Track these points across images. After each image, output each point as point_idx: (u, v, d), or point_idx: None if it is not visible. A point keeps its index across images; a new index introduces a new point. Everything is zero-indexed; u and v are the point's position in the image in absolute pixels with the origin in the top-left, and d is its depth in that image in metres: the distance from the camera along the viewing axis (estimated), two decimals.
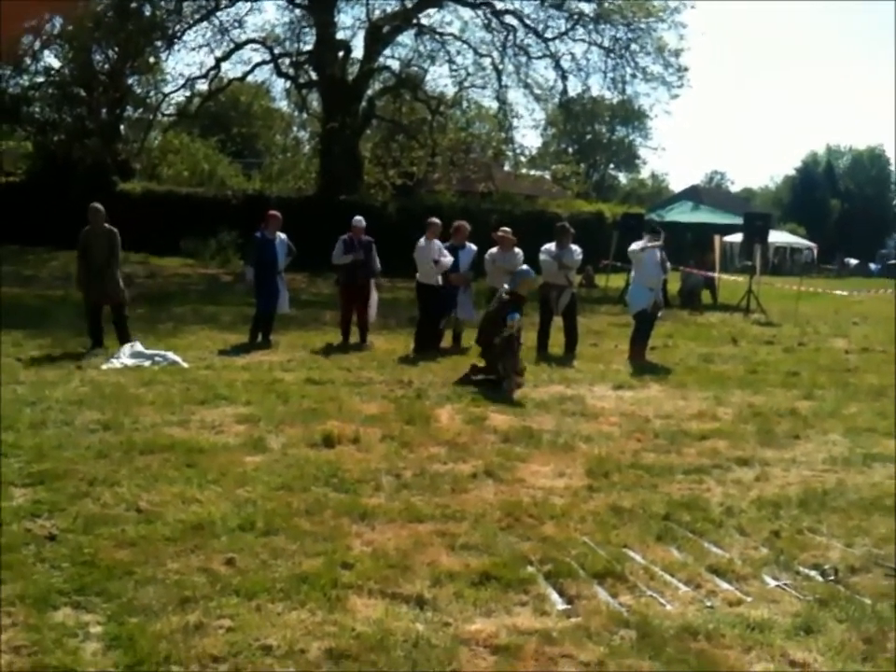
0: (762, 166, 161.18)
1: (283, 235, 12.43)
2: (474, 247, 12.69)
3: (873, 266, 54.43)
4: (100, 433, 7.04)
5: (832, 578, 4.64)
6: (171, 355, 10.58)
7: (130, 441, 6.76)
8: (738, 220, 24.84)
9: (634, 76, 28.51)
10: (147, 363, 10.24)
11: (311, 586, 4.28)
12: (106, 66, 28.63)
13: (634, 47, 27.88)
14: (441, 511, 5.45)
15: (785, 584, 4.57)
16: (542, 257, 12.48)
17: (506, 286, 10.14)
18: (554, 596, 4.34)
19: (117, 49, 27.46)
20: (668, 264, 12.75)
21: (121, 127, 31.08)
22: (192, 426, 7.46)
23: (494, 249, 12.44)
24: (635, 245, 12.36)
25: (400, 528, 5.16)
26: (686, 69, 28.90)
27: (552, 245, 12.48)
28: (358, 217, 12.60)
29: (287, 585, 4.28)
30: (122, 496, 5.51)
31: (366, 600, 4.20)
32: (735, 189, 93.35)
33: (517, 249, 12.25)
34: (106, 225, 11.34)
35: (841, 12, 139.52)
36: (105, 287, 11.17)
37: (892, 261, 57.92)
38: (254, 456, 6.54)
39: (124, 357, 10.40)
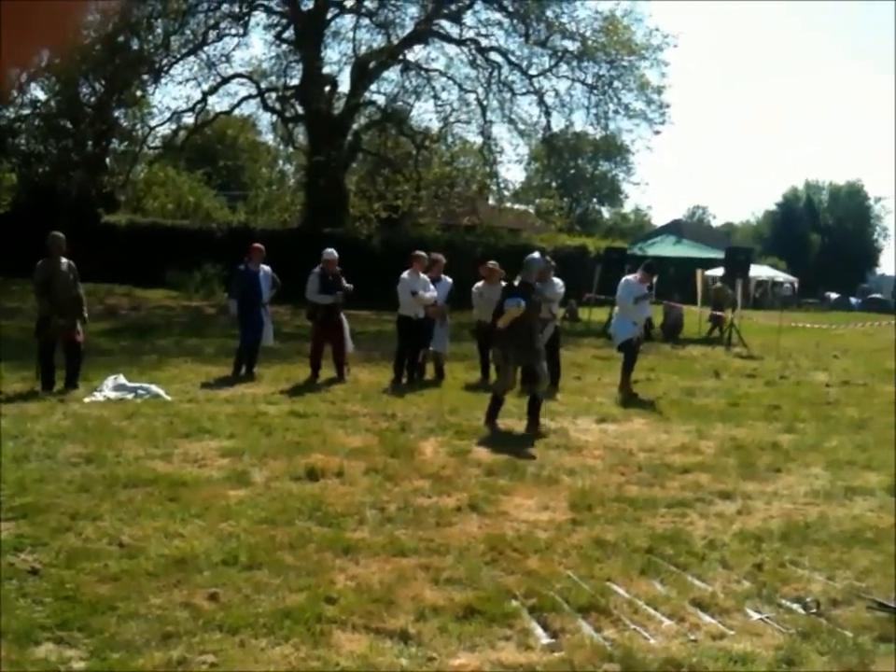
0: (743, 201, 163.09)
1: (267, 268, 12.46)
2: (450, 280, 12.81)
3: (853, 300, 54.93)
4: (82, 467, 7.00)
5: (814, 611, 4.66)
6: (154, 387, 10.55)
7: (112, 475, 6.73)
8: (720, 255, 25.05)
9: (616, 112, 28.87)
10: (129, 396, 10.21)
11: (294, 621, 4.26)
12: (93, 99, 28.76)
13: (616, 84, 28.26)
14: (426, 545, 5.45)
15: (767, 617, 4.59)
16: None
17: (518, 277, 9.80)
18: (539, 631, 4.34)
19: (103, 81, 27.62)
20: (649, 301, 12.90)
21: (107, 159, 31.14)
22: (175, 459, 7.43)
23: (480, 283, 12.51)
24: (632, 286, 12.19)
25: (384, 562, 5.15)
26: (668, 106, 29.27)
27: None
28: (330, 250, 12.53)
29: (271, 620, 4.26)
30: (105, 530, 5.48)
31: (350, 635, 4.19)
32: (716, 223, 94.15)
33: (504, 283, 12.34)
34: (63, 259, 10.47)
35: (818, 50, 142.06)
36: (69, 323, 10.40)
37: (873, 295, 58.54)
38: (237, 490, 6.52)
39: (107, 389, 10.36)
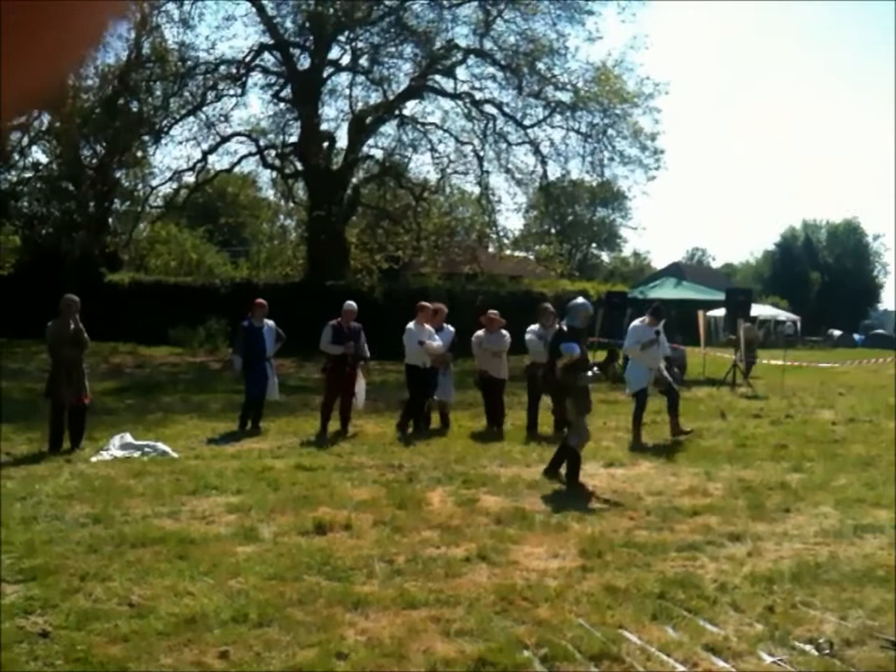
0: (741, 242, 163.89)
1: (271, 322, 12.53)
2: (452, 329, 12.87)
3: (857, 337, 54.93)
4: (90, 527, 6.99)
5: (827, 652, 4.64)
6: (160, 445, 10.57)
7: (120, 534, 6.72)
8: (721, 296, 25.15)
9: (612, 159, 29.23)
10: (136, 454, 10.22)
11: None
12: (94, 161, 29.16)
13: (610, 132, 28.66)
14: (435, 597, 5.43)
15: (781, 660, 4.56)
16: (528, 337, 12.66)
17: (564, 322, 9.56)
18: None
19: (104, 143, 28.01)
20: (667, 345, 12.77)
21: (109, 219, 31.48)
22: (183, 516, 7.43)
23: (480, 332, 12.59)
24: (639, 332, 12.09)
25: (394, 615, 5.13)
26: (662, 151, 29.66)
27: (536, 326, 12.66)
28: (350, 303, 12.52)
29: None
30: (114, 590, 5.47)
31: None
32: (716, 264, 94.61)
33: (504, 331, 12.44)
34: (72, 321, 10.44)
35: (810, 90, 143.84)
36: (75, 386, 10.44)
37: (876, 331, 58.55)
38: (245, 546, 6.51)
39: (114, 448, 10.37)
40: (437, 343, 12.31)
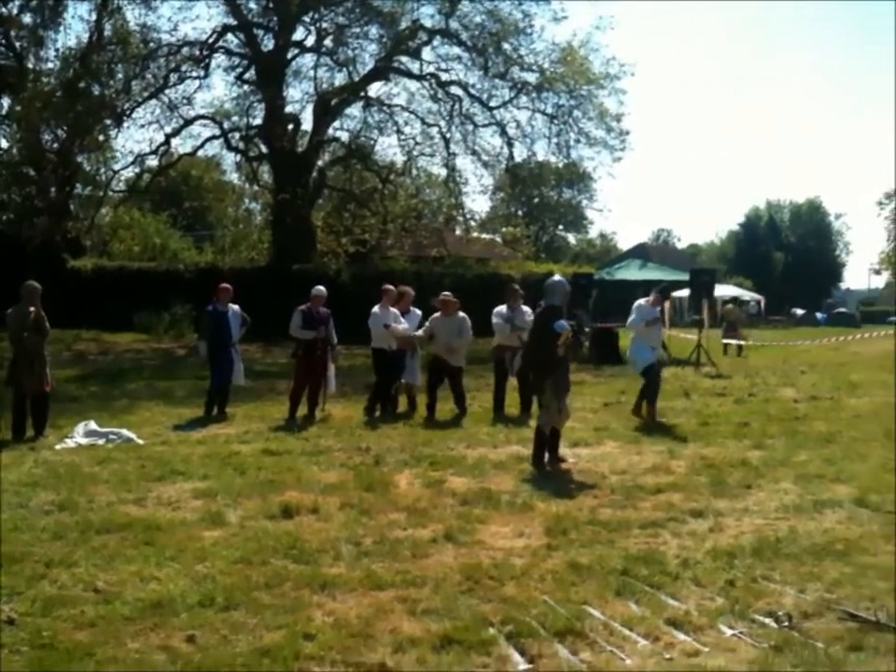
0: (706, 222, 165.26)
1: (235, 307, 12.46)
2: (419, 312, 12.88)
3: (819, 315, 55.64)
4: (55, 514, 6.96)
5: (786, 624, 4.73)
6: (125, 432, 10.51)
7: (86, 521, 6.70)
8: (685, 276, 25.40)
9: (577, 140, 29.35)
10: (101, 441, 10.16)
11: (272, 659, 4.27)
12: (55, 145, 28.70)
13: (576, 113, 28.75)
14: (402, 578, 5.47)
15: (741, 633, 4.66)
16: (495, 319, 12.66)
17: (543, 302, 9.44)
18: (516, 657, 4.38)
19: (66, 127, 27.58)
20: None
21: (71, 204, 31.02)
22: (149, 503, 7.41)
23: (437, 314, 12.50)
24: (643, 310, 12.19)
25: (361, 597, 5.17)
26: (627, 133, 29.81)
27: (503, 308, 12.66)
28: (320, 287, 12.48)
29: (249, 660, 4.27)
30: (80, 576, 5.46)
31: (328, 670, 4.21)
32: (681, 245, 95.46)
33: (461, 313, 12.41)
34: (32, 308, 10.38)
35: (774, 70, 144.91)
36: (37, 374, 10.39)
37: (839, 310, 59.36)
38: (212, 531, 6.52)
39: (78, 436, 10.30)
40: (402, 325, 12.32)
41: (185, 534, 6.42)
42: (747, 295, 41.31)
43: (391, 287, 12.96)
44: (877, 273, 67.85)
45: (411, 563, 5.80)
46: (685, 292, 25.69)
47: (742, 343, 24.64)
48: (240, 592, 5.18)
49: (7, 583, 5.31)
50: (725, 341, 24.83)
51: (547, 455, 9.00)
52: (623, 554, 5.95)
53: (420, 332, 12.36)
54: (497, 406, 12.59)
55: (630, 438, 10.60)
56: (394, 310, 12.48)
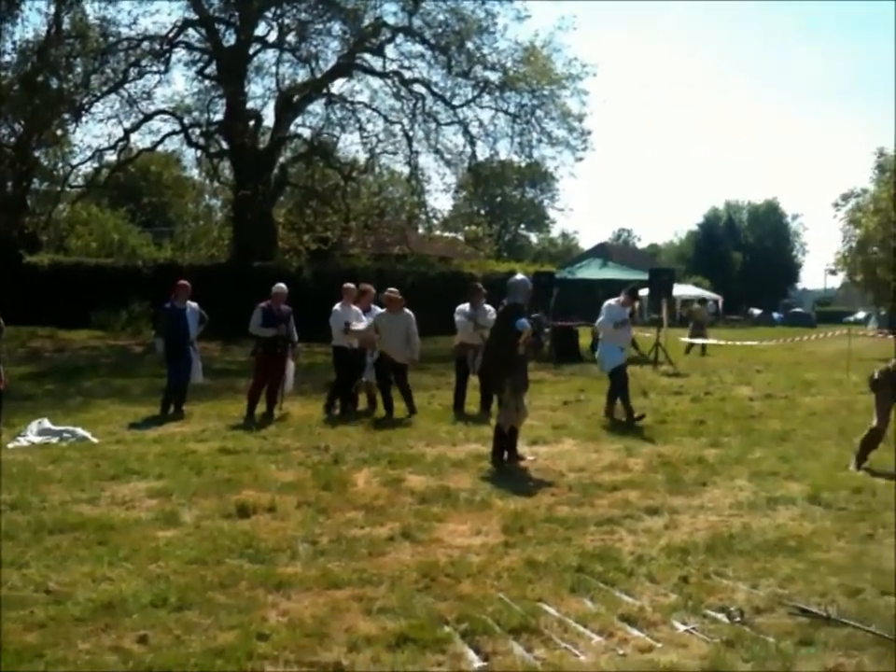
0: (666, 222, 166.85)
1: (194, 304, 12.34)
2: (380, 310, 12.82)
3: (776, 315, 56.46)
4: (7, 513, 6.84)
5: (738, 619, 4.78)
6: (80, 430, 10.36)
7: (38, 521, 6.59)
8: (645, 276, 25.62)
9: (540, 140, 29.44)
10: (54, 440, 10.01)
11: (226, 660, 4.23)
12: (12, 139, 28.19)
13: (539, 112, 28.82)
14: (359, 576, 5.45)
15: (693, 628, 4.70)
16: (457, 317, 12.67)
17: (505, 301, 9.43)
18: (471, 655, 4.38)
19: (23, 121, 27.11)
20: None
21: (28, 199, 30.49)
22: (102, 502, 7.31)
23: (383, 311, 12.31)
24: (613, 311, 12.06)
25: (317, 596, 5.14)
26: (589, 133, 29.94)
27: (466, 306, 12.67)
28: (280, 285, 12.39)
29: (202, 660, 4.23)
30: (31, 577, 5.37)
31: (282, 670, 4.18)
32: (641, 245, 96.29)
33: (407, 310, 12.25)
34: None
35: (733, 71, 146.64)
36: None
37: (795, 310, 60.26)
38: (166, 531, 6.45)
39: (31, 434, 10.15)
40: (363, 324, 12.26)
41: (139, 534, 6.35)
42: (705, 295, 41.75)
43: (351, 284, 12.91)
44: (833, 273, 68.66)
45: (367, 561, 5.79)
46: (644, 292, 25.86)
47: (706, 342, 25.02)
48: (194, 592, 5.12)
49: None
50: (691, 340, 25.17)
51: (506, 453, 9.02)
52: (579, 552, 5.98)
53: (361, 327, 12.22)
54: (458, 404, 12.60)
55: (588, 436, 10.67)
56: (356, 308, 12.44)
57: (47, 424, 10.47)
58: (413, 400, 12.36)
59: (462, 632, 4.62)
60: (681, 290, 29.55)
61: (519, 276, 10.03)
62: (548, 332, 9.53)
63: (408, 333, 12.12)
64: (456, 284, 29.55)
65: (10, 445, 9.73)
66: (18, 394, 13.09)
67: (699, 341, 25.01)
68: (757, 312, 57.12)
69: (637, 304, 12.49)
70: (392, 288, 12.66)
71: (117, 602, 4.94)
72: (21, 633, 4.55)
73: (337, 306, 12.48)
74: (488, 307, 12.49)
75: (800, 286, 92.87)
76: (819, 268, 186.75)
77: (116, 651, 4.33)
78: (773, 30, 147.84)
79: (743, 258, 78.01)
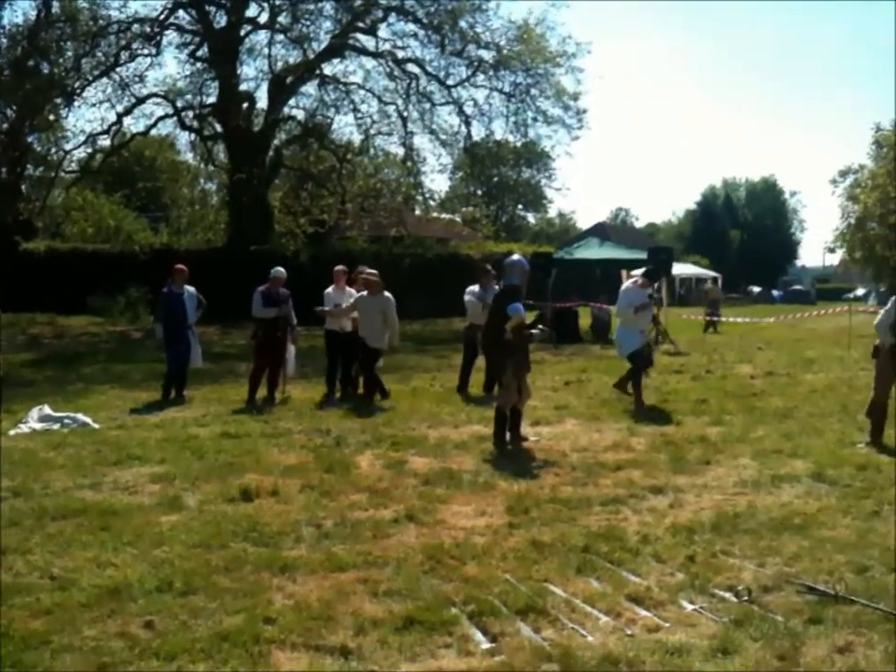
0: (664, 201, 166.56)
1: (191, 288, 12.28)
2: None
3: (775, 293, 56.44)
4: (10, 500, 6.81)
5: (745, 598, 4.77)
6: (81, 416, 10.33)
7: (41, 507, 6.57)
8: (644, 255, 25.56)
9: (535, 119, 29.40)
10: (56, 426, 9.98)
11: (232, 644, 4.21)
12: (5, 125, 28.04)
13: (533, 91, 28.76)
14: (363, 559, 5.43)
15: (701, 608, 4.69)
16: (467, 298, 12.60)
17: (502, 282, 9.38)
18: (478, 636, 4.37)
19: (14, 107, 26.95)
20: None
21: (22, 186, 30.37)
22: (105, 488, 7.28)
23: (363, 292, 11.91)
24: (631, 295, 11.64)
25: (322, 579, 5.12)
26: (585, 111, 29.89)
27: (475, 287, 12.60)
28: (279, 269, 12.32)
29: (208, 645, 4.21)
30: (35, 563, 5.35)
31: (289, 654, 4.16)
32: (639, 224, 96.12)
33: (387, 293, 11.81)
34: None
35: (731, 47, 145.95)
36: None
37: (794, 287, 60.24)
38: (170, 516, 6.42)
39: (32, 421, 10.11)
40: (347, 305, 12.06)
41: (142, 519, 6.32)
42: (704, 273, 41.69)
43: (342, 267, 12.82)
44: (832, 251, 68.69)
45: (372, 544, 5.77)
46: (641, 270, 25.87)
47: (720, 320, 25.12)
48: (199, 576, 5.10)
49: None
50: (711, 318, 25.25)
51: (509, 434, 8.99)
52: (584, 532, 5.96)
53: (344, 306, 12.07)
54: (462, 385, 12.54)
55: (590, 416, 10.65)
56: (350, 290, 12.31)
57: (48, 410, 10.43)
58: (375, 388, 11.88)
59: (469, 613, 4.60)
60: (680, 269, 29.50)
61: (515, 257, 9.89)
62: (547, 332, 9.27)
63: (385, 317, 11.66)
64: (454, 265, 29.55)
65: (12, 432, 9.70)
66: (18, 380, 13.08)
67: (721, 319, 25.19)
68: (756, 290, 57.09)
69: (656, 285, 12.03)
70: (370, 269, 12.26)
71: (122, 587, 4.91)
72: (27, 619, 4.53)
73: (329, 289, 12.43)
74: (497, 288, 12.37)
75: (799, 263, 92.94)
76: (817, 245, 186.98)
77: (122, 637, 4.31)
78: (770, 5, 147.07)
79: (741, 235, 77.92)
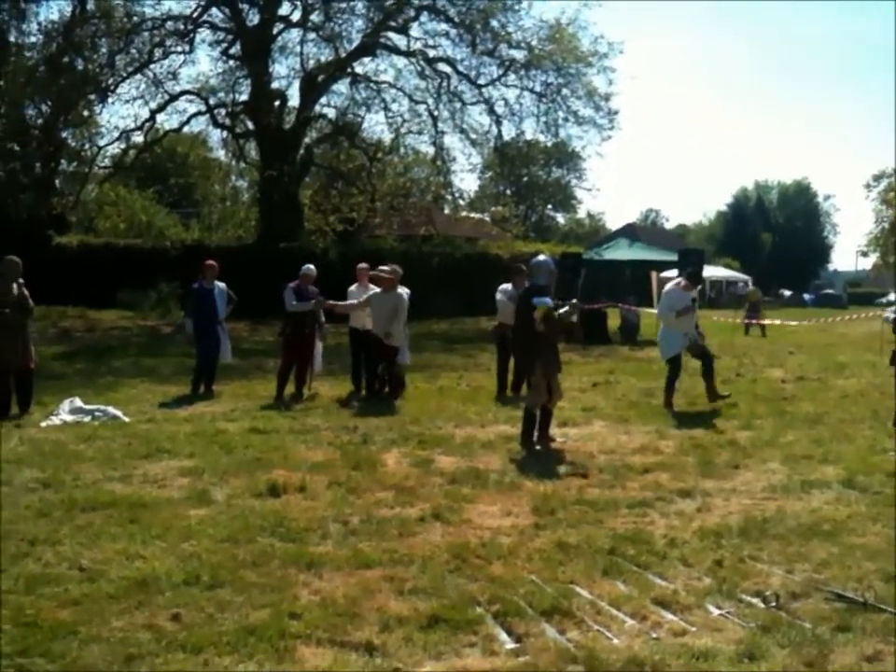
0: (695, 203, 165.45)
1: (221, 284, 12.37)
2: (407, 291, 12.69)
3: (807, 296, 55.84)
4: (40, 492, 6.90)
5: (773, 604, 4.73)
6: (111, 409, 10.44)
7: (71, 499, 6.64)
8: (674, 256, 25.40)
9: (566, 119, 29.25)
10: (87, 419, 10.08)
11: (258, 638, 4.24)
12: (39, 120, 28.35)
13: (565, 91, 28.60)
14: (389, 556, 5.44)
15: (728, 612, 4.65)
16: (499, 297, 12.52)
17: (528, 282, 9.39)
18: (503, 636, 4.36)
19: (49, 102, 27.26)
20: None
21: (56, 180, 30.69)
22: (135, 481, 7.36)
23: (377, 289, 11.91)
24: (673, 298, 11.54)
25: (348, 575, 5.14)
26: (616, 112, 29.71)
27: (508, 286, 12.54)
28: (310, 266, 12.38)
29: (234, 638, 4.23)
30: (64, 554, 5.41)
31: (314, 649, 4.18)
32: (669, 225, 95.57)
33: (401, 289, 11.79)
34: (14, 284, 10.30)
35: (765, 48, 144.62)
36: (20, 352, 10.33)
37: (826, 291, 59.58)
38: (198, 509, 6.47)
39: (63, 413, 10.23)
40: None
41: (170, 512, 6.37)
42: (734, 276, 41.35)
43: (365, 265, 12.86)
44: (865, 255, 68.04)
45: (398, 542, 5.78)
46: (674, 272, 25.67)
47: (765, 322, 24.80)
48: (226, 570, 5.14)
49: None
50: (756, 322, 25.00)
51: (536, 435, 8.97)
52: (611, 534, 5.94)
53: (353, 303, 12.09)
54: (501, 387, 12.41)
55: (618, 418, 10.60)
56: (374, 289, 12.22)
57: (78, 403, 10.55)
58: (398, 387, 11.87)
59: (494, 613, 4.60)
60: (711, 271, 29.26)
61: (541, 257, 9.86)
62: (576, 313, 9.17)
63: (395, 312, 11.53)
64: (483, 265, 29.52)
65: (43, 424, 9.81)
66: (49, 373, 13.22)
67: (755, 322, 24.82)
68: (787, 293, 56.51)
69: (699, 288, 11.85)
70: (384, 266, 12.29)
71: (150, 580, 4.96)
72: (55, 609, 4.58)
73: (353, 287, 12.49)
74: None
75: (831, 267, 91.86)
76: (850, 249, 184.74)
77: (149, 629, 4.35)
78: (806, 5, 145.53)
79: (773, 238, 77.22)
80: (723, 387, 13.29)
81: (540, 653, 4.14)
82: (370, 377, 12.36)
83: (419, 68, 29.06)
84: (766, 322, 24.83)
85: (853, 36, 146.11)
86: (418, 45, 28.90)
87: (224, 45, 29.04)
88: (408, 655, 4.12)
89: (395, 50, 29.25)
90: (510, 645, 4.26)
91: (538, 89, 28.63)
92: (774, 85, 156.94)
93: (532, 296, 8.92)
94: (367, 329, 12.13)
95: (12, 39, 27.55)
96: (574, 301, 9.62)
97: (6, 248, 12.07)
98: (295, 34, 29.61)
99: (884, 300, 53.24)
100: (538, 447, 8.83)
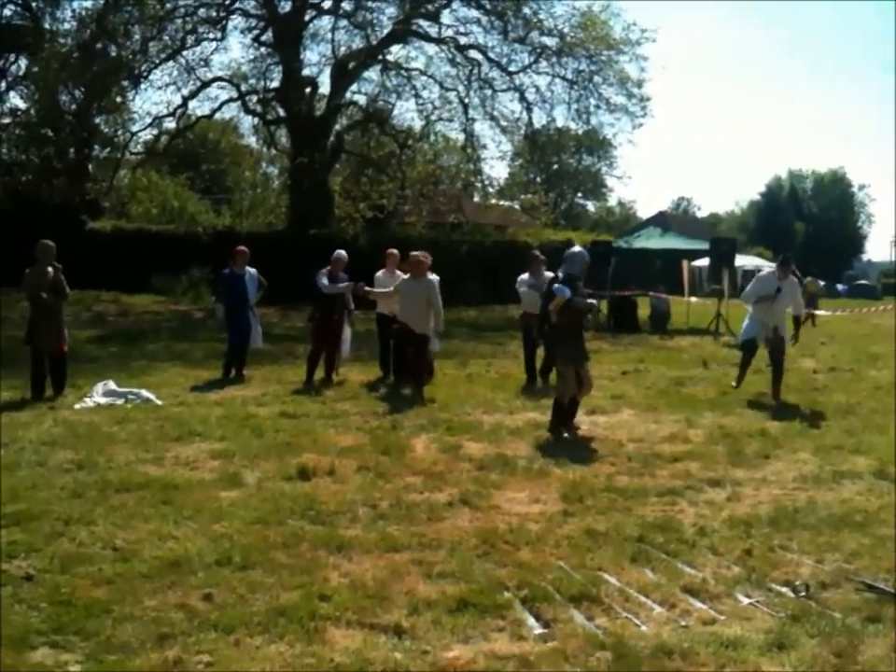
0: (727, 191, 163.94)
1: (252, 270, 12.46)
2: (436, 278, 12.64)
3: (840, 287, 55.19)
4: (74, 473, 7.01)
5: (803, 594, 4.71)
6: (144, 392, 10.55)
7: (104, 480, 6.74)
8: (705, 245, 25.19)
9: (598, 107, 28.98)
10: (120, 401, 10.21)
11: (289, 619, 4.29)
12: (73, 106, 28.58)
13: (597, 78, 28.34)
14: (418, 540, 5.48)
15: (757, 601, 4.64)
16: (521, 288, 12.36)
17: (560, 271, 9.29)
18: (531, 621, 4.38)
19: (83, 88, 27.46)
20: (800, 300, 11.98)
21: (89, 166, 30.94)
22: (167, 463, 7.45)
23: (407, 275, 11.71)
24: (759, 285, 11.50)
25: (377, 558, 5.18)
26: (648, 99, 29.37)
27: (526, 275, 12.45)
28: (341, 251, 12.46)
29: (265, 619, 4.29)
30: (98, 534, 5.50)
31: (344, 631, 4.22)
32: (701, 214, 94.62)
33: (431, 276, 11.56)
34: (49, 268, 10.41)
35: (796, 42, 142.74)
36: (55, 334, 10.47)
37: (860, 282, 58.82)
38: (229, 492, 6.55)
39: (97, 395, 10.35)
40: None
41: (202, 494, 6.45)
42: (767, 266, 40.92)
43: (394, 251, 12.86)
44: None
45: (426, 526, 5.82)
46: (705, 261, 25.49)
47: (816, 313, 24.49)
48: (257, 552, 5.20)
49: (26, 540, 5.35)
50: (813, 311, 24.71)
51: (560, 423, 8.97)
52: (640, 522, 5.94)
53: (389, 290, 12.01)
54: (530, 378, 12.31)
55: (647, 406, 10.56)
56: (401, 275, 12.14)
57: (112, 385, 10.68)
58: (422, 375, 11.46)
59: (522, 598, 4.63)
60: (743, 261, 28.93)
61: (576, 248, 9.96)
62: (589, 296, 9.05)
63: (429, 301, 11.28)
64: (512, 253, 29.40)
65: (77, 406, 9.95)
66: (83, 356, 13.38)
67: (820, 312, 24.50)
68: (821, 283, 55.86)
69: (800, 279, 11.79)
70: (415, 252, 11.88)
71: (182, 560, 5.03)
72: (90, 588, 4.66)
73: (380, 273, 12.50)
74: (549, 274, 12.22)
75: (865, 257, 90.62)
76: (884, 239, 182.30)
77: (181, 609, 4.42)
78: None
79: (806, 228, 76.36)
80: (754, 377, 13.20)
81: (568, 639, 4.16)
82: (397, 363, 12.36)
83: (450, 55, 28.94)
84: (818, 313, 24.46)
85: (890, 23, 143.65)
86: (449, 32, 28.78)
87: (256, 32, 29.07)
88: (436, 638, 4.15)
89: (426, 38, 29.14)
90: (538, 630, 4.28)
91: (569, 76, 28.42)
92: (809, 73, 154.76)
93: (560, 284, 8.91)
94: (394, 314, 12.13)
95: (46, 26, 27.78)
96: (591, 300, 9.60)
97: (40, 233, 12.21)
98: (326, 21, 29.62)
99: None
100: (565, 435, 8.82)
